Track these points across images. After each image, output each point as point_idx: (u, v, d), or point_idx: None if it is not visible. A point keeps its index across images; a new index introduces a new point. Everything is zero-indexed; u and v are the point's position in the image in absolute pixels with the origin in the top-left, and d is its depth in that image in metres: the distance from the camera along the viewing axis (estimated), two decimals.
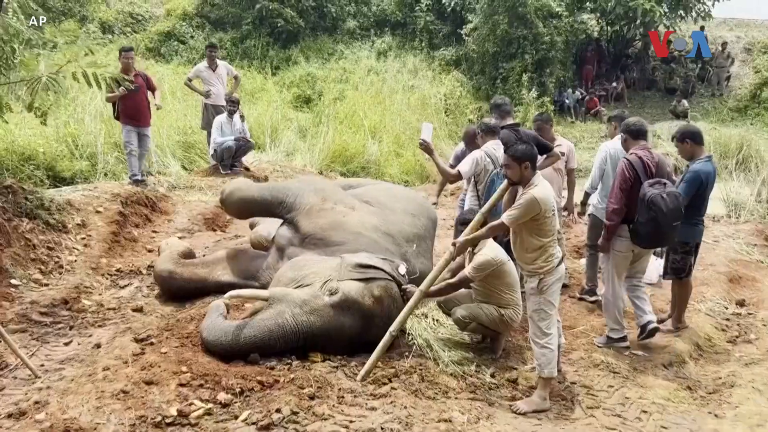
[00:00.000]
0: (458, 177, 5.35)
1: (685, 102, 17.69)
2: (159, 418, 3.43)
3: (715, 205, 8.88)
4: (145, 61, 16.31)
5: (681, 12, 18.36)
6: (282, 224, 5.46)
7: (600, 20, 19.57)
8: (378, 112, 14.13)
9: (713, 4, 18.42)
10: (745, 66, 20.54)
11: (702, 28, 19.92)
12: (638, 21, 18.97)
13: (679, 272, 5.47)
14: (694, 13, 18.47)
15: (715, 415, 4.21)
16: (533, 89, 16.43)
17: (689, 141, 5.35)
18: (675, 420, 4.10)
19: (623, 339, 5.18)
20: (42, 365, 4.05)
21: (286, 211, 5.41)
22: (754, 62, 20.20)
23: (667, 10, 17.84)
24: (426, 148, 5.31)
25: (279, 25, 18.37)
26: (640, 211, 4.80)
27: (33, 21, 6.89)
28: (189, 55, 17.53)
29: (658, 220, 4.71)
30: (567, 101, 18.19)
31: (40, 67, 5.66)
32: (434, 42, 19.49)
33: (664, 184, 4.81)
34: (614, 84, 19.14)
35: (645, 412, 4.17)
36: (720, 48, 19.49)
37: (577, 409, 4.19)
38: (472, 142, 6.19)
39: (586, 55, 19.49)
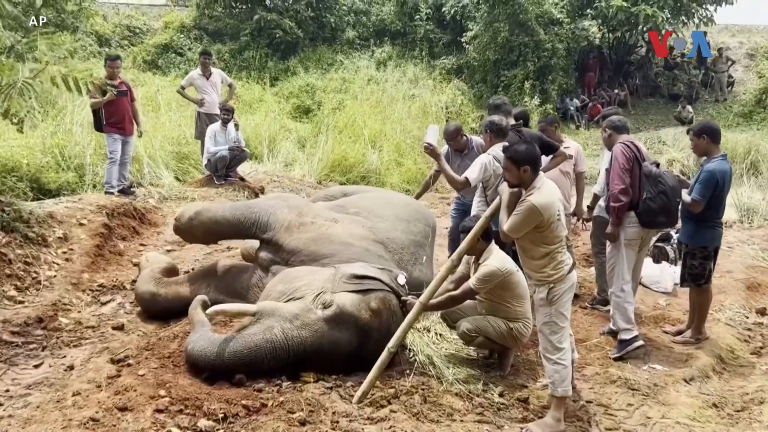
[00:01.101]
0: (466, 184, 4.98)
1: (689, 108, 17.46)
2: None
3: (727, 211, 8.55)
4: (142, 73, 16.08)
5: (683, 18, 18.12)
6: (260, 246, 5.07)
7: (601, 27, 19.32)
8: (378, 121, 13.84)
9: (715, 10, 18.19)
10: (749, 71, 20.33)
11: (704, 34, 19.69)
12: (640, 27, 18.74)
13: (697, 279, 5.13)
14: (696, 19, 18.23)
15: None
16: (535, 97, 16.18)
17: (706, 137, 5.05)
18: None
19: (636, 338, 4.88)
20: (6, 390, 3.70)
21: (261, 231, 5.00)
22: (758, 67, 20.00)
23: (669, 16, 17.58)
24: (432, 152, 4.98)
25: (278, 36, 18.15)
26: (648, 188, 4.79)
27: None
28: (187, 68, 17.22)
29: (667, 194, 4.75)
30: (570, 108, 17.89)
31: (19, 74, 5.31)
32: (434, 51, 19.24)
33: (658, 165, 4.94)
34: (616, 91, 18.87)
35: None
36: (717, 53, 19.26)
37: (594, 431, 3.82)
38: (453, 139, 5.98)
39: (588, 62, 19.24)
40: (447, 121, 16.46)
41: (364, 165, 11.94)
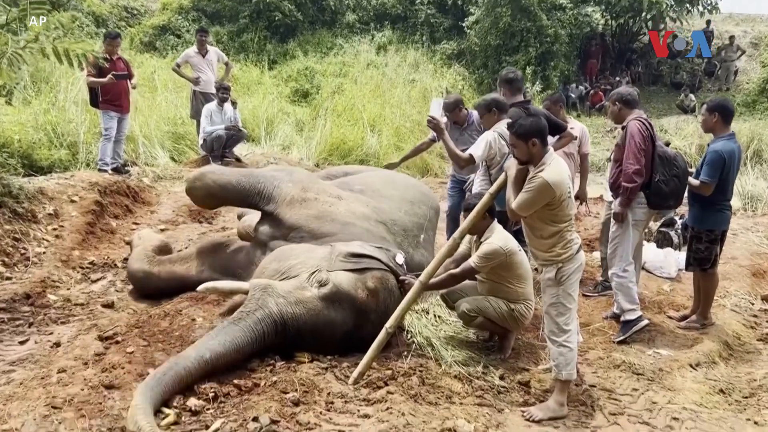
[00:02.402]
0: (470, 161, 4.81)
1: (692, 96, 17.29)
2: (116, 429, 2.93)
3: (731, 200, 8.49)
4: (140, 55, 15.85)
5: (687, 5, 17.89)
6: (261, 219, 4.91)
7: (605, 13, 19.10)
8: (377, 106, 13.65)
9: None
10: (752, 61, 20.12)
11: (708, 22, 19.49)
12: (644, 14, 18.51)
13: (703, 263, 4.99)
14: (700, 7, 18.02)
15: (755, 422, 3.74)
16: (537, 83, 15.99)
17: (717, 114, 4.86)
18: (710, 429, 3.62)
19: (640, 318, 4.77)
20: None
21: (265, 202, 4.83)
22: (762, 56, 19.77)
23: (673, 3, 17.37)
24: (435, 126, 4.82)
25: (277, 18, 17.90)
26: (661, 170, 4.70)
27: None
28: (185, 49, 17.01)
29: (679, 177, 4.73)
30: (572, 95, 17.70)
31: (9, 45, 5.13)
32: (435, 35, 19.00)
33: (669, 144, 4.90)
34: (618, 78, 18.67)
35: (676, 419, 3.69)
36: (728, 41, 19.03)
37: (598, 416, 3.70)
38: (452, 111, 5.77)
39: (591, 49, 19.03)
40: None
41: (362, 149, 11.78)
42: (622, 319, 4.85)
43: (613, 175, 4.93)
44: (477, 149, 4.77)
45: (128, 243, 5.66)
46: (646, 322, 4.79)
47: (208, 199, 5.09)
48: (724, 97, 5.22)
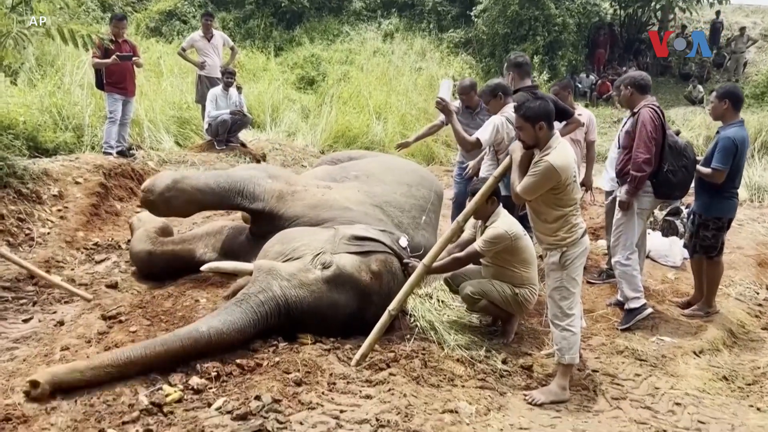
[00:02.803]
0: (477, 145, 4.78)
1: (700, 87, 17.19)
2: (117, 405, 2.94)
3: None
4: (145, 40, 15.81)
5: None
6: (253, 220, 4.82)
7: (613, 3, 18.97)
8: (383, 93, 13.61)
9: None
10: (762, 52, 19.97)
11: (718, 13, 19.35)
12: (653, 4, 18.37)
13: (710, 250, 4.96)
14: None
15: (758, 409, 3.72)
16: (544, 72, 15.89)
17: (728, 101, 4.79)
18: (713, 414, 3.60)
19: (645, 306, 4.74)
20: None
21: (249, 201, 4.68)
22: None
23: None
24: (444, 108, 4.77)
25: (283, 5, 17.87)
26: (671, 160, 4.64)
27: None
28: (190, 35, 17.01)
29: (688, 168, 4.69)
30: (579, 85, 17.59)
31: (14, 25, 5.12)
32: (443, 24, 18.91)
33: (679, 133, 4.83)
34: (626, 68, 18.54)
35: (678, 404, 3.67)
36: (738, 32, 18.87)
37: (600, 400, 3.69)
38: (467, 94, 5.84)
39: (599, 39, 18.94)
40: (453, 94, 16.22)
41: (368, 136, 11.77)
42: (626, 307, 4.82)
43: (621, 161, 4.85)
44: (484, 133, 4.73)
45: (130, 225, 5.66)
46: (650, 310, 4.77)
47: (187, 205, 4.71)
48: (733, 84, 5.18)
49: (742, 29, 18.89)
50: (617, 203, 4.86)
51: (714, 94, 4.94)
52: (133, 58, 7.61)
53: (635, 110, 4.74)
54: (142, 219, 5.40)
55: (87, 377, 3.07)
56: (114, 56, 7.26)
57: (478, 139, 4.72)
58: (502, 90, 4.94)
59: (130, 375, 3.17)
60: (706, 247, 4.95)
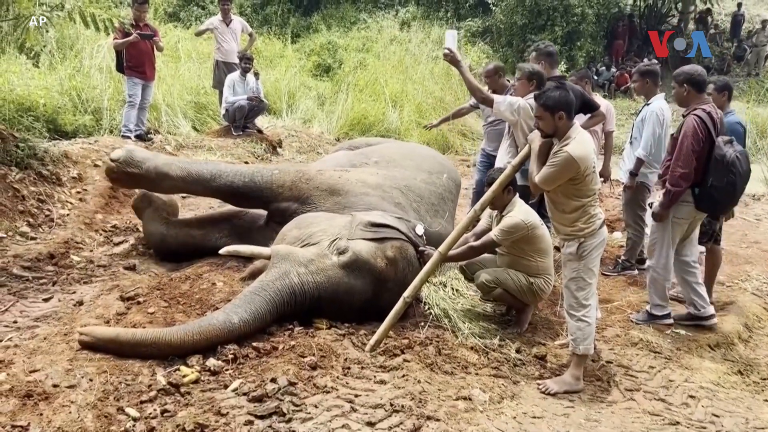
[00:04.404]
0: (488, 102, 4.71)
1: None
2: (136, 385, 2.99)
3: (754, 185, 8.37)
4: (163, 25, 15.85)
5: None
6: (269, 215, 4.88)
7: None
8: (400, 82, 13.56)
9: None
10: None
11: (739, 5, 19.11)
12: None
13: (701, 237, 4.83)
14: None
15: None
16: (562, 63, 15.75)
17: (727, 93, 4.92)
18: (727, 407, 3.59)
19: (667, 316, 4.67)
20: (14, 321, 3.63)
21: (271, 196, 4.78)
22: None
23: None
24: (452, 58, 4.67)
25: None
26: (716, 175, 4.23)
27: None
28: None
29: (735, 184, 4.25)
30: (597, 78, 17.43)
31: (36, 8, 5.17)
32: (460, 12, 18.79)
33: (733, 141, 4.30)
34: (645, 60, 18.34)
35: (692, 397, 3.67)
36: (759, 25, 18.62)
37: (614, 391, 3.69)
38: (491, 77, 5.77)
39: (618, 30, 18.78)
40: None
41: (383, 124, 11.76)
42: (649, 309, 4.74)
43: (664, 164, 4.61)
44: (502, 100, 4.69)
45: (134, 207, 5.55)
46: (671, 321, 4.67)
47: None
48: (722, 77, 4.97)
49: (764, 22, 18.63)
50: (651, 213, 4.66)
51: (712, 86, 4.93)
52: (154, 38, 7.64)
53: (685, 113, 4.43)
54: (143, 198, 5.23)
55: (125, 349, 3.25)
56: (135, 33, 7.29)
57: (492, 99, 4.68)
58: (538, 77, 4.81)
59: (164, 356, 3.26)
60: (700, 234, 4.82)
